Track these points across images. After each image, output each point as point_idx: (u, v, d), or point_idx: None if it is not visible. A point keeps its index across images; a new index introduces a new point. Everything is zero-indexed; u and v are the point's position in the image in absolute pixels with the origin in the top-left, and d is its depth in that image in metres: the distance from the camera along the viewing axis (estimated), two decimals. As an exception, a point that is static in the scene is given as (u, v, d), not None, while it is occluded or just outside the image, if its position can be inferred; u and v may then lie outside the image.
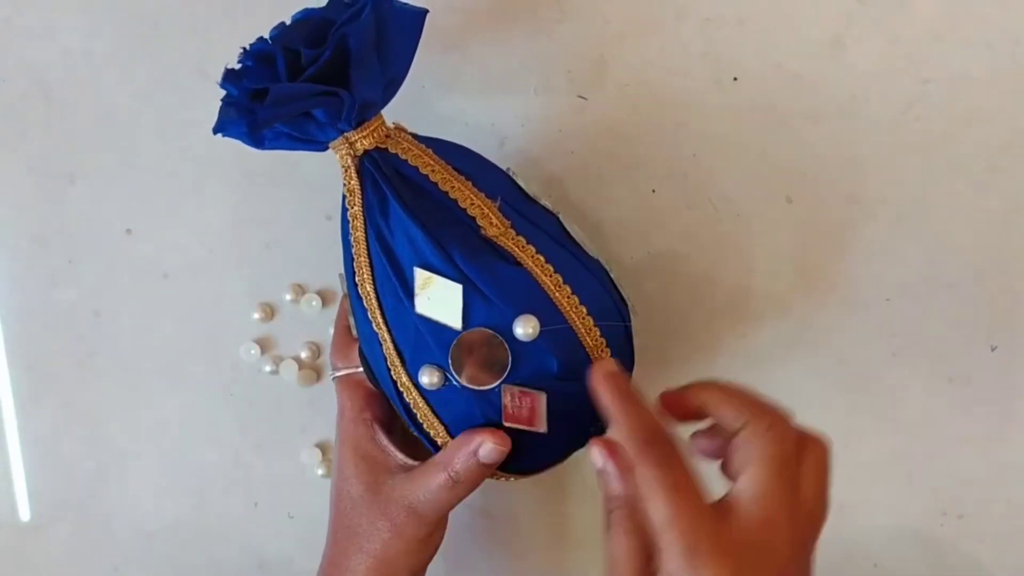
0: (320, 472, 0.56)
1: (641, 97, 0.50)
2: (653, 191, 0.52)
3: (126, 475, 0.57)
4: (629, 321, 0.45)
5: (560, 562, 0.57)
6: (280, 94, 0.40)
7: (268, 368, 0.55)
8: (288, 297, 0.54)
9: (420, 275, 0.41)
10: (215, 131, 0.42)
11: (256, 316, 0.54)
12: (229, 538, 0.57)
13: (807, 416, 0.54)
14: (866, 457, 0.55)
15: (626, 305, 0.46)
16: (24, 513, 0.57)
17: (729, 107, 0.50)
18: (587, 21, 0.50)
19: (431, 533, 0.45)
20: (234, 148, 0.52)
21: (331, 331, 0.54)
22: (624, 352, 0.44)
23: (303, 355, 0.55)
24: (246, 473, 0.56)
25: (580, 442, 0.45)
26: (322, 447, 0.56)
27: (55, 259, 0.55)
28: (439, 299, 0.41)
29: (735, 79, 0.50)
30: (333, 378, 0.50)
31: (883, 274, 0.52)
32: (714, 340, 0.53)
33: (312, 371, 0.55)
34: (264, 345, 0.55)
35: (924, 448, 0.54)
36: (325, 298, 0.54)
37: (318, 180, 0.52)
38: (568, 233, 0.45)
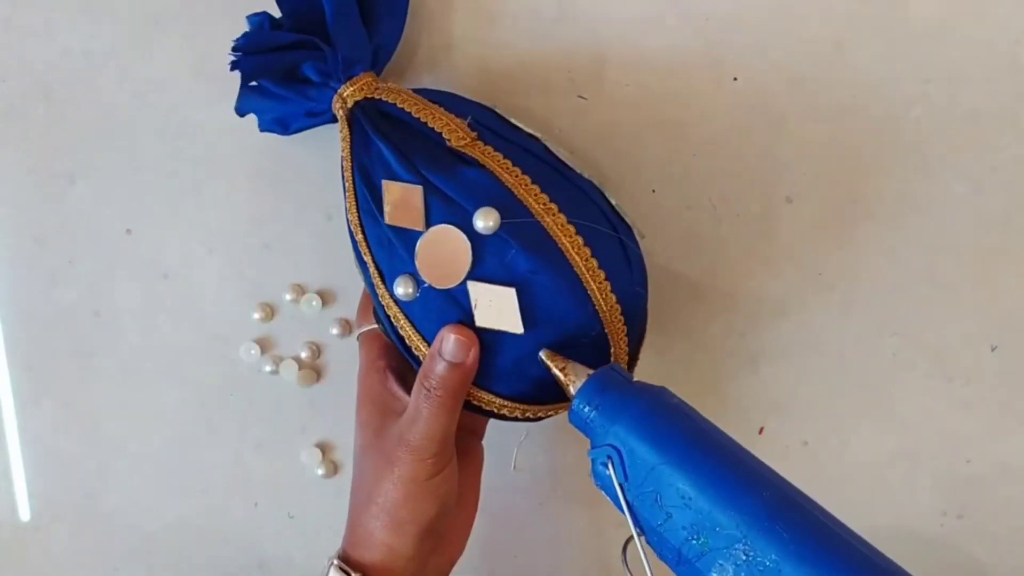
0: (320, 472, 0.56)
1: (641, 97, 0.50)
2: (653, 191, 0.51)
3: (126, 475, 0.57)
4: (626, 236, 0.44)
5: (560, 561, 0.57)
6: (256, 42, 0.45)
7: (268, 368, 0.55)
8: (288, 297, 0.54)
9: (385, 186, 0.43)
10: (238, 112, 0.47)
11: (256, 316, 0.54)
12: (229, 538, 0.57)
13: (807, 416, 0.54)
14: (866, 457, 0.55)
15: (624, 222, 0.45)
16: (24, 513, 0.57)
17: (729, 107, 0.50)
18: (587, 21, 0.50)
19: (432, 475, 0.43)
20: (234, 148, 0.53)
21: (332, 331, 0.54)
22: (613, 257, 0.42)
23: (303, 355, 0.55)
24: (246, 473, 0.56)
25: (573, 354, 0.42)
26: (322, 447, 0.56)
27: (55, 259, 0.55)
28: (402, 204, 0.42)
29: (735, 79, 0.50)
30: (357, 337, 0.50)
31: (883, 274, 0.52)
32: (714, 340, 0.53)
33: (312, 371, 0.55)
34: (264, 345, 0.55)
35: (924, 448, 0.54)
36: (325, 298, 0.54)
37: (318, 180, 0.52)
38: (554, 154, 0.45)
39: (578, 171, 0.45)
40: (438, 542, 0.46)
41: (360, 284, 0.47)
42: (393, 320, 0.44)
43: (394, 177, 0.42)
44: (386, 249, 0.43)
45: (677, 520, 0.36)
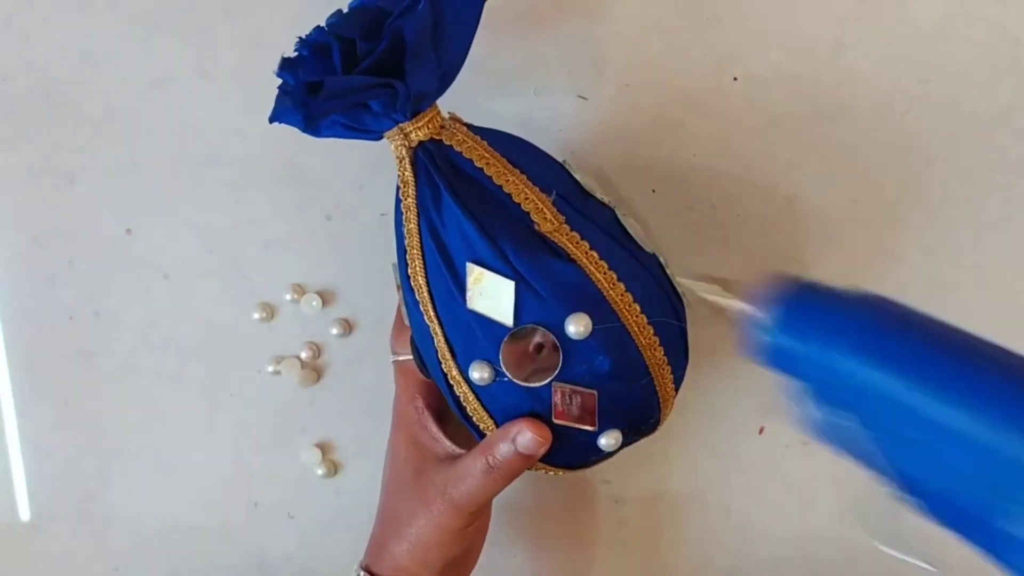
0: (320, 472, 0.56)
1: (641, 97, 0.50)
2: (653, 191, 0.51)
3: (126, 475, 0.57)
4: (684, 319, 0.45)
5: (560, 560, 0.57)
6: (335, 87, 0.40)
7: (268, 368, 0.55)
8: (288, 297, 0.54)
9: (472, 270, 0.41)
10: (271, 120, 0.41)
11: (256, 316, 0.54)
12: (229, 538, 0.57)
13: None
14: (866, 457, 0.54)
15: (681, 302, 0.45)
16: (24, 513, 0.57)
17: (729, 107, 0.50)
18: (587, 21, 0.50)
19: (467, 526, 0.45)
20: (234, 148, 0.53)
21: (332, 331, 0.54)
22: (677, 349, 0.44)
23: (303, 355, 0.55)
24: (246, 473, 0.56)
25: (630, 439, 0.44)
26: (322, 447, 0.56)
27: (55, 259, 0.55)
28: (491, 295, 0.41)
29: (735, 79, 0.50)
30: (393, 361, 0.50)
31: (883, 274, 0.52)
32: (714, 340, 0.53)
33: (312, 371, 0.55)
34: (264, 345, 0.55)
35: (924, 448, 0.54)
36: (325, 298, 0.54)
37: (318, 180, 0.52)
38: (624, 228, 0.44)
39: (643, 246, 0.44)
40: (459, 569, 0.47)
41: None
42: (456, 389, 0.43)
43: (478, 257, 0.41)
44: (463, 331, 0.42)
45: (954, 465, 0.28)
